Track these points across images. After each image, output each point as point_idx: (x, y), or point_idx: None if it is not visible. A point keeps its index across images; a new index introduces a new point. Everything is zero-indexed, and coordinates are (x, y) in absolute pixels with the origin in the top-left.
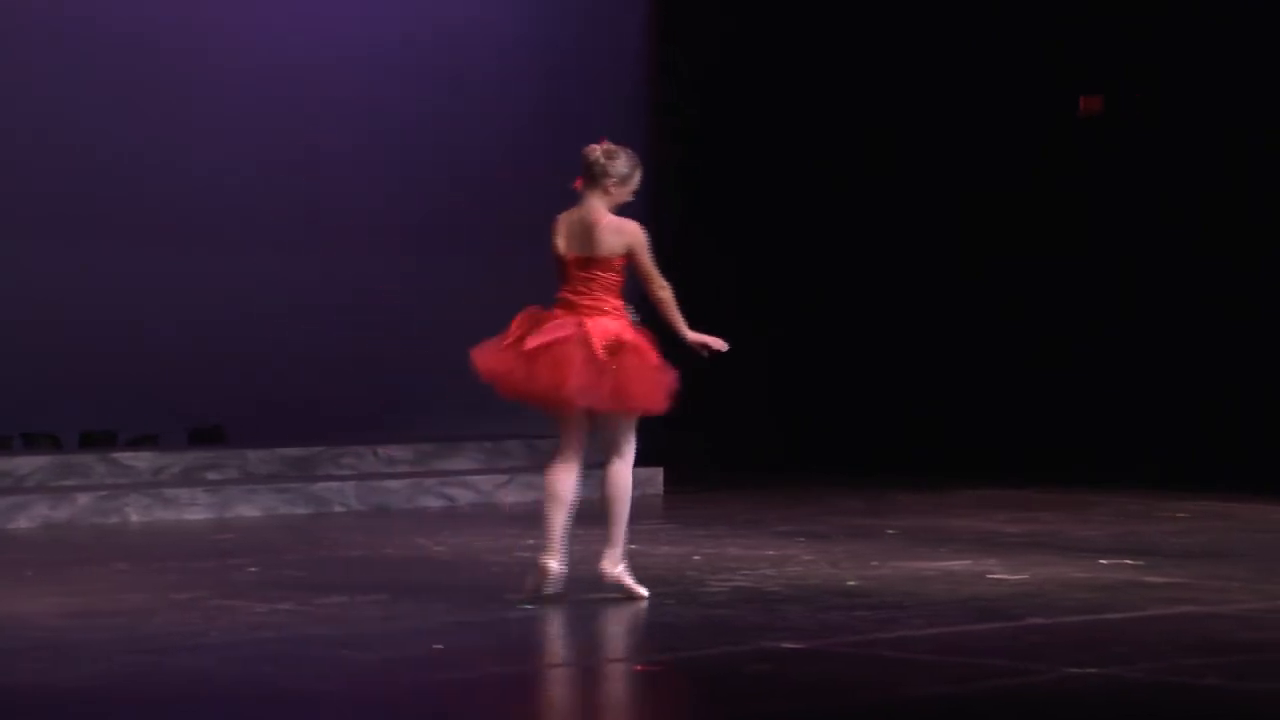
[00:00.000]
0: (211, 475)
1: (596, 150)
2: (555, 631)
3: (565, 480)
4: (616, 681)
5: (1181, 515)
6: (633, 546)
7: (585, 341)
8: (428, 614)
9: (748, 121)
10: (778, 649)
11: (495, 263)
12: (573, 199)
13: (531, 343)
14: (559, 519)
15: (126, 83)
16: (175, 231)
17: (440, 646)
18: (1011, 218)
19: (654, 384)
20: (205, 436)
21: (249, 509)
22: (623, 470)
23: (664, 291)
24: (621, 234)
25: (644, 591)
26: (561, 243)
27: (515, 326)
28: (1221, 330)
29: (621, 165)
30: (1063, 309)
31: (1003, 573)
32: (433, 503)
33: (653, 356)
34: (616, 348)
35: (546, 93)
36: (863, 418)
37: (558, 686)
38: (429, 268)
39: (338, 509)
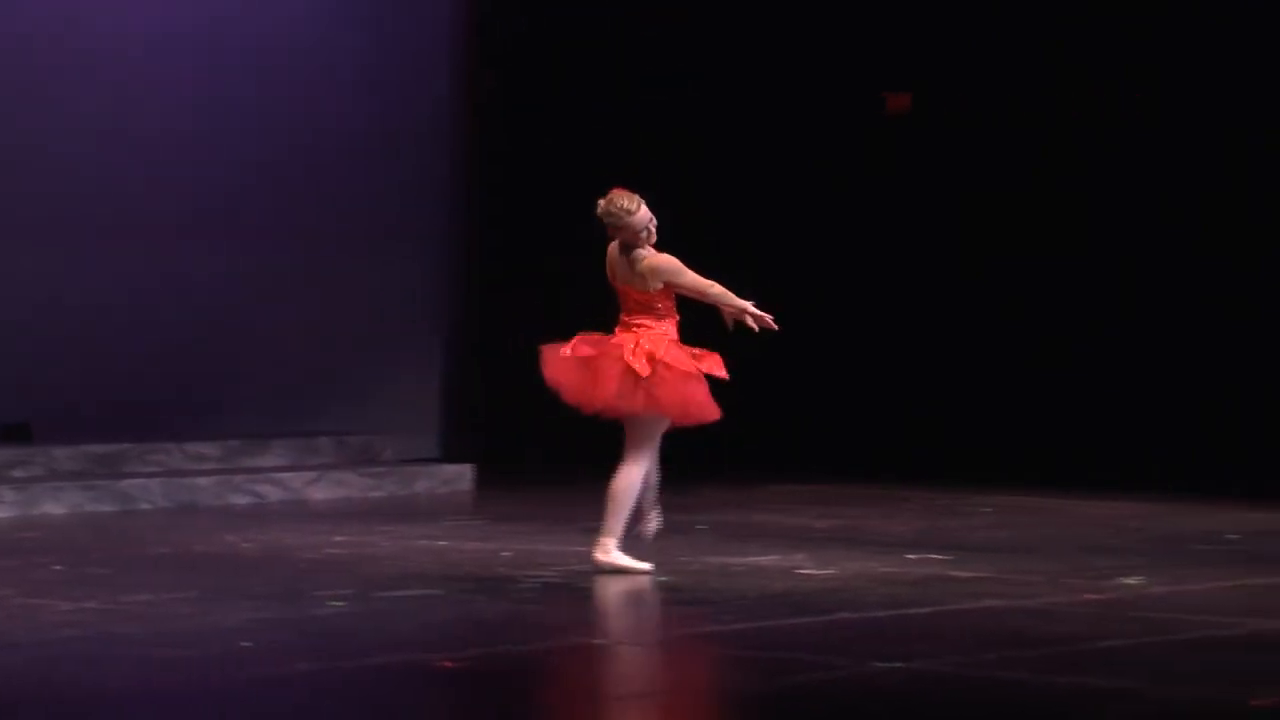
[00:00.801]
0: (17, 473)
1: (599, 208)
2: (364, 628)
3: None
4: (423, 678)
5: (987, 510)
6: (441, 542)
7: (623, 357)
8: (236, 611)
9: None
10: (586, 645)
11: (305, 257)
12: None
13: (583, 352)
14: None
15: None
16: None
17: (249, 644)
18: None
19: (681, 394)
20: (11, 434)
21: (55, 507)
22: (631, 471)
23: (713, 290)
24: (656, 275)
25: (645, 566)
26: (611, 273)
27: (575, 341)
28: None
29: (615, 211)
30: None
31: (811, 568)
32: (241, 500)
33: (686, 369)
34: (653, 361)
35: (361, 87)
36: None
37: (365, 684)
38: (238, 262)
39: (145, 506)
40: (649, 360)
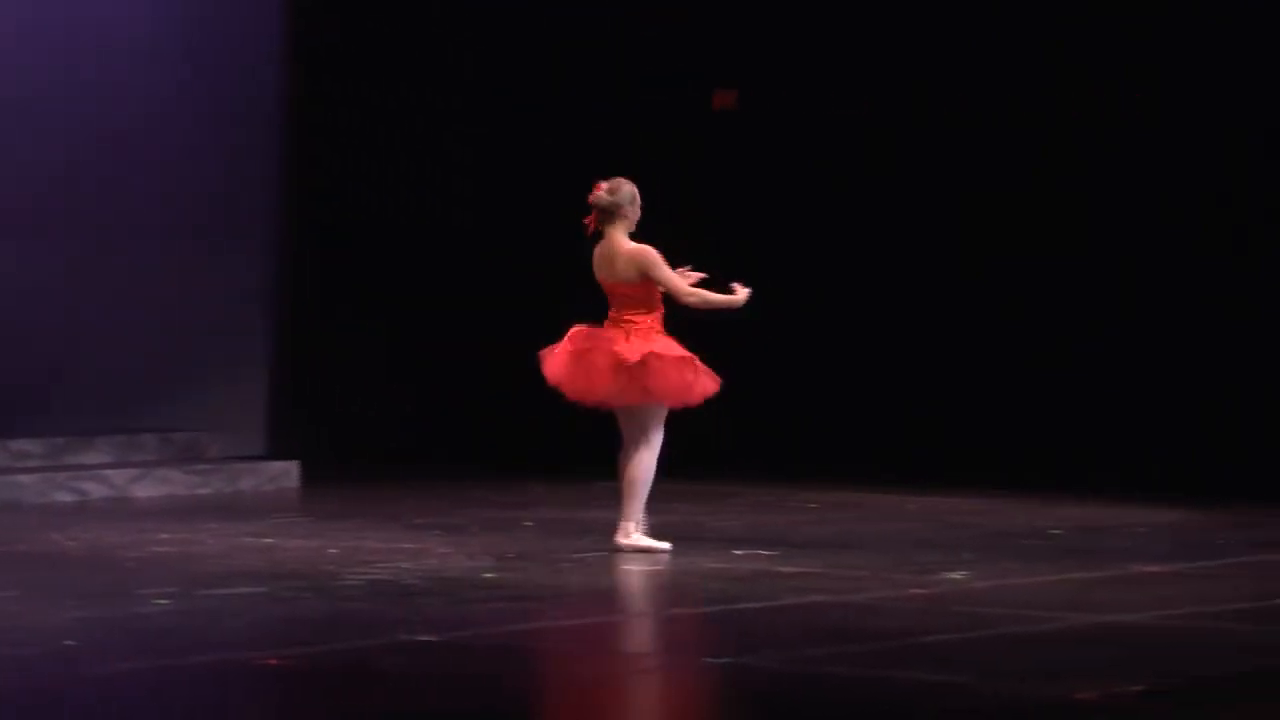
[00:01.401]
0: None
1: (602, 192)
2: (189, 626)
3: (626, 465)
4: (248, 677)
5: (813, 505)
6: (267, 540)
7: (615, 350)
8: (60, 610)
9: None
10: (413, 642)
11: (130, 252)
12: None
13: (577, 347)
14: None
15: None
16: None
17: (73, 643)
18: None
19: (678, 381)
20: None
21: None
22: (645, 456)
23: (691, 298)
24: (634, 262)
25: (665, 546)
26: (597, 271)
27: (569, 338)
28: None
29: (624, 194)
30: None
31: (639, 564)
32: (65, 497)
33: (676, 357)
34: (644, 353)
35: (188, 82)
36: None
37: (190, 683)
38: (60, 257)
39: None
40: (641, 353)
